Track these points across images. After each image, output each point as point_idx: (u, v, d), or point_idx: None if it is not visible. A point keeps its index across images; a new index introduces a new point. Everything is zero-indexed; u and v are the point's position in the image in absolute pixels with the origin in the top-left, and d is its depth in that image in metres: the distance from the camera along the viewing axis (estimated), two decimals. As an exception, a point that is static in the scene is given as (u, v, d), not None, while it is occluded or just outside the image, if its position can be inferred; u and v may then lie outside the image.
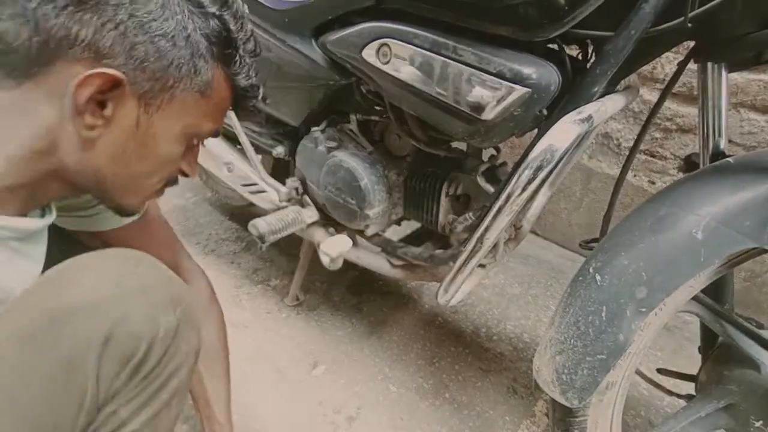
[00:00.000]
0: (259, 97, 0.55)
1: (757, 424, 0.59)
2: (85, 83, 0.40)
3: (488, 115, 0.62)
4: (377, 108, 0.86)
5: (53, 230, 0.50)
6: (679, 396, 0.77)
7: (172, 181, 0.53)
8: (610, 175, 1.42)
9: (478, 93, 0.61)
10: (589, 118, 0.57)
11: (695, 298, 0.59)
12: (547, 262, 1.49)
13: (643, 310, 0.52)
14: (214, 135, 0.53)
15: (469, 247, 0.70)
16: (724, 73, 0.60)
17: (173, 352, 0.44)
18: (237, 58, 0.49)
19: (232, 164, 1.05)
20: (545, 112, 0.62)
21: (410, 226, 1.03)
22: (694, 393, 0.71)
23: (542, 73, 0.59)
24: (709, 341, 0.69)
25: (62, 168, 0.44)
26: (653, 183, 1.37)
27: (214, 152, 1.07)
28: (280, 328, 1.11)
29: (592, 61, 0.63)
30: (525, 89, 0.58)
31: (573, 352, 0.55)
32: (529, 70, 0.59)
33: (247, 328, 1.10)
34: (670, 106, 1.27)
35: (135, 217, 0.63)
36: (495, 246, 0.83)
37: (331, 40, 0.76)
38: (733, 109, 1.18)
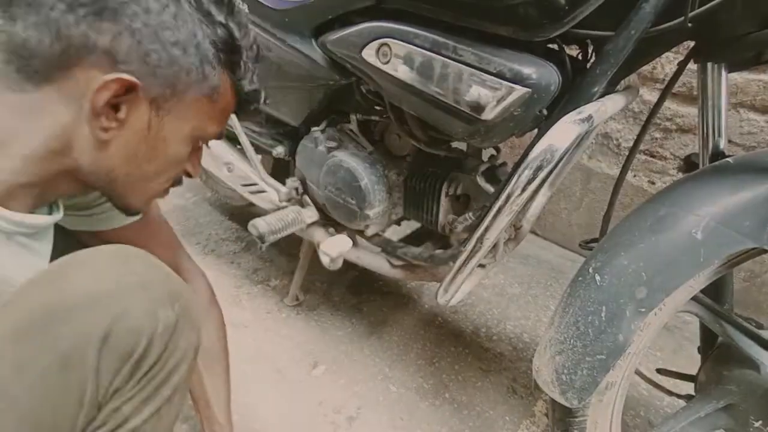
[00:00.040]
0: (261, 101, 0.57)
1: (757, 424, 0.59)
2: (104, 88, 0.42)
3: (488, 115, 0.62)
4: (377, 108, 0.86)
5: (58, 228, 0.51)
6: (678, 396, 0.77)
7: (177, 182, 0.55)
8: (609, 175, 1.42)
9: (478, 93, 0.61)
10: (589, 118, 0.57)
11: (695, 299, 0.59)
12: (547, 262, 1.49)
13: (643, 310, 0.52)
14: (219, 137, 0.56)
15: (469, 247, 0.70)
16: (723, 73, 0.60)
17: (173, 348, 0.44)
18: (241, 63, 0.51)
19: (232, 164, 1.05)
20: (545, 112, 0.62)
21: (410, 226, 1.03)
22: (693, 393, 0.71)
23: (542, 73, 0.59)
24: (708, 341, 0.69)
25: (75, 167, 0.46)
26: (653, 183, 1.37)
27: (214, 152, 1.07)
28: (280, 328, 1.11)
29: (592, 61, 0.63)
30: (525, 89, 0.58)
31: (573, 352, 0.55)
32: (529, 70, 0.59)
33: (247, 328, 1.10)
34: (670, 106, 1.27)
35: (136, 217, 0.63)
36: (495, 246, 0.83)
37: (331, 39, 0.76)
38: (732, 109, 1.18)
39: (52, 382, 0.38)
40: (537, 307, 1.28)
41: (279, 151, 1.01)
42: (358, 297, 1.23)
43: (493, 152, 0.88)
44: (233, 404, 0.74)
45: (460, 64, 0.62)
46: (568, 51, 0.65)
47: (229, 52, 0.49)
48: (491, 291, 1.32)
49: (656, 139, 1.34)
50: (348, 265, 0.95)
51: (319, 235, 0.98)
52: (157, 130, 0.47)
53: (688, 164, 0.71)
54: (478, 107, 0.62)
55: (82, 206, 0.59)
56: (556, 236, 1.60)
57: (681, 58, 0.65)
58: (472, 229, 0.73)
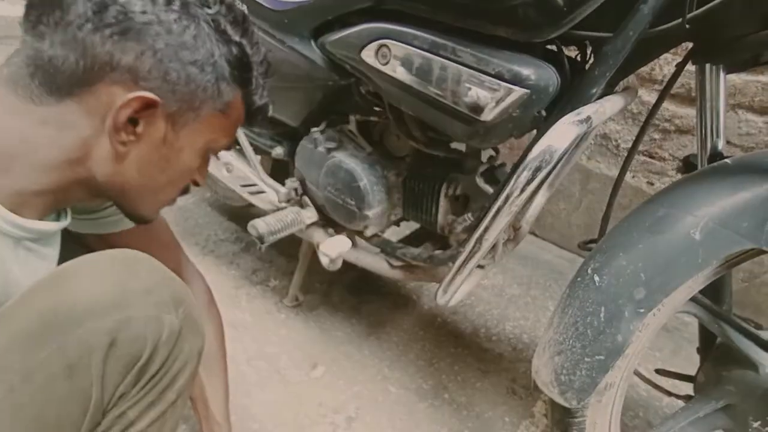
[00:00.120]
0: (269, 113, 0.59)
1: (756, 424, 0.59)
2: (126, 105, 0.43)
3: (487, 116, 0.62)
4: (376, 109, 0.86)
5: (64, 231, 0.52)
6: (677, 397, 0.77)
7: (185, 191, 0.57)
8: (608, 176, 1.42)
9: (477, 94, 0.61)
10: (588, 119, 0.57)
11: (693, 299, 0.59)
12: (546, 262, 1.49)
13: (642, 310, 0.52)
14: (228, 148, 0.58)
15: (468, 247, 0.70)
16: (722, 74, 0.60)
17: (177, 352, 0.45)
18: (253, 79, 0.52)
19: (231, 165, 1.05)
20: (544, 113, 0.62)
21: (409, 226, 1.03)
22: (692, 394, 0.71)
23: (541, 74, 0.59)
24: (707, 342, 0.69)
25: (89, 177, 0.47)
26: (652, 184, 1.38)
27: (214, 153, 1.07)
28: (279, 329, 1.11)
29: (590, 62, 0.63)
30: (524, 90, 0.59)
31: (572, 352, 0.55)
32: (528, 71, 0.59)
33: (247, 328, 1.10)
34: (669, 107, 1.28)
35: None
36: (494, 247, 0.83)
37: (330, 40, 0.76)
38: (731, 110, 1.18)
39: (58, 389, 0.39)
40: (536, 307, 1.28)
41: (278, 151, 1.01)
42: (357, 298, 1.23)
43: (492, 153, 0.88)
44: (232, 405, 0.74)
45: (459, 65, 0.62)
46: (566, 52, 0.65)
47: (242, 69, 0.51)
48: (490, 292, 1.32)
49: (655, 140, 1.34)
50: (347, 266, 0.95)
51: (318, 235, 0.98)
52: (172, 143, 0.49)
53: (687, 165, 0.71)
54: (477, 108, 0.62)
55: (87, 210, 0.61)
56: (555, 237, 1.60)
57: (679, 59, 0.66)
58: (471, 229, 0.73)
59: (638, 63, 0.68)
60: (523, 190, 0.60)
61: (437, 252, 0.85)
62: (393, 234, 1.00)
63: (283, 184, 0.99)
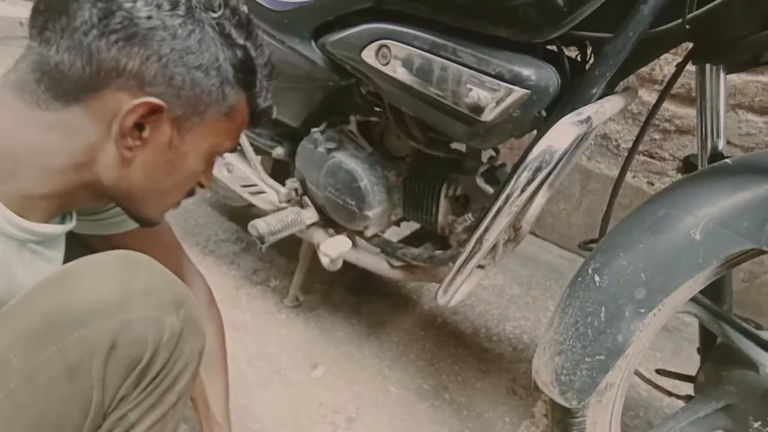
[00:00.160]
0: (273, 116, 0.59)
1: (756, 424, 0.59)
2: (132, 111, 0.44)
3: (487, 116, 0.62)
4: (377, 109, 0.86)
5: (68, 232, 0.52)
6: (678, 397, 0.77)
7: (190, 193, 0.57)
8: (608, 176, 1.42)
9: (477, 94, 0.61)
10: (588, 119, 0.57)
11: (694, 299, 0.59)
12: (547, 262, 1.49)
13: (642, 310, 0.52)
14: (233, 151, 0.58)
15: (469, 247, 0.70)
16: (722, 74, 0.60)
17: (178, 354, 0.45)
18: (257, 82, 0.53)
19: (232, 165, 1.06)
20: (544, 113, 0.62)
21: (409, 227, 1.03)
22: (693, 394, 0.71)
23: (541, 74, 0.59)
24: (707, 342, 0.69)
25: (96, 181, 0.47)
26: (652, 184, 1.38)
27: (214, 153, 1.07)
28: (280, 329, 1.11)
29: (590, 62, 0.63)
30: (524, 91, 0.59)
31: (572, 352, 0.55)
32: (528, 71, 0.59)
33: (247, 328, 1.10)
34: (669, 107, 1.28)
35: None
36: (494, 247, 0.83)
37: (330, 41, 0.76)
38: (731, 110, 1.18)
39: (59, 391, 0.39)
40: (536, 307, 1.28)
41: (278, 152, 1.01)
42: (357, 298, 1.23)
43: (493, 153, 0.88)
44: (232, 405, 0.74)
45: (459, 66, 0.62)
46: (567, 52, 0.65)
47: (246, 72, 0.51)
48: (491, 292, 1.32)
49: (655, 140, 1.34)
50: (347, 266, 0.95)
51: (318, 235, 0.98)
52: (178, 148, 0.49)
53: (687, 165, 0.71)
54: (477, 108, 0.62)
55: (90, 211, 0.61)
56: (555, 237, 1.60)
57: (679, 59, 0.66)
58: (471, 230, 0.73)
59: (638, 63, 0.68)
60: (523, 191, 0.60)
61: (437, 252, 0.85)
62: (393, 234, 1.00)
63: (284, 185, 0.99)
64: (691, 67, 0.64)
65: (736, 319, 0.60)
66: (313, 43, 0.80)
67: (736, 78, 1.15)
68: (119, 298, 0.41)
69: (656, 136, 1.33)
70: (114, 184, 0.48)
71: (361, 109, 0.88)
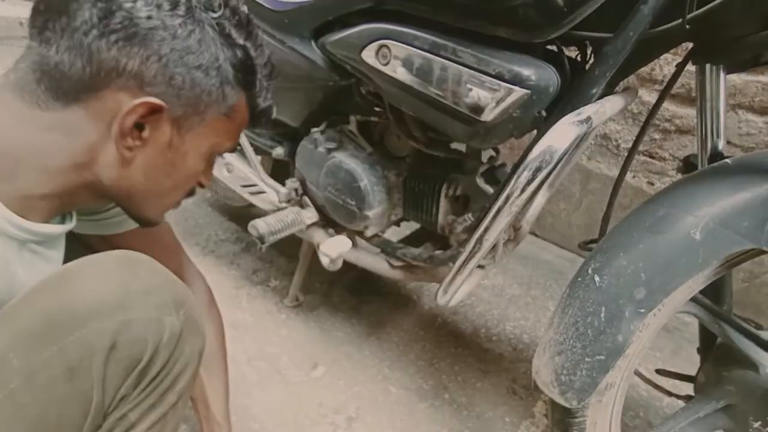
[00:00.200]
0: (273, 116, 0.59)
1: (756, 424, 0.59)
2: (133, 111, 0.44)
3: (487, 116, 0.62)
4: (377, 109, 0.86)
5: (68, 234, 0.52)
6: (678, 397, 0.77)
7: (190, 193, 0.57)
8: (609, 176, 1.42)
9: (477, 94, 0.61)
10: (588, 119, 0.57)
11: (694, 299, 0.59)
12: (547, 262, 1.49)
13: (642, 310, 0.52)
14: (233, 151, 0.58)
15: (469, 247, 0.70)
16: (722, 74, 0.60)
17: (178, 354, 0.45)
18: (257, 82, 0.52)
19: (232, 165, 1.06)
20: (544, 113, 0.62)
21: (409, 227, 1.03)
22: (693, 394, 0.71)
23: (541, 74, 0.59)
24: (707, 342, 0.69)
25: (96, 181, 0.47)
26: (652, 184, 1.38)
27: (214, 153, 1.07)
28: (280, 329, 1.11)
29: (590, 62, 0.63)
30: (524, 91, 0.59)
31: (572, 352, 0.55)
32: (528, 71, 0.59)
33: (247, 328, 1.10)
34: (669, 107, 1.28)
35: None
36: (494, 247, 0.83)
37: (330, 41, 0.76)
38: (731, 110, 1.18)
39: (59, 391, 0.39)
40: (536, 307, 1.28)
41: (278, 152, 1.01)
42: (357, 298, 1.23)
43: (493, 153, 0.89)
44: (232, 405, 0.74)
45: (459, 66, 0.62)
46: (567, 52, 0.65)
47: (246, 72, 0.50)
48: (491, 292, 1.32)
49: (655, 140, 1.34)
50: (347, 266, 0.95)
51: (318, 235, 0.98)
52: (177, 148, 0.49)
53: (687, 165, 0.71)
54: (477, 108, 0.62)
55: (90, 211, 0.61)
56: (555, 237, 1.60)
57: (680, 59, 0.66)
58: (471, 229, 0.73)
59: (638, 63, 0.68)
60: (523, 191, 0.60)
61: (437, 252, 0.85)
62: (393, 234, 1.00)
63: (284, 185, 0.99)
64: (691, 67, 0.64)
65: (736, 319, 0.60)
66: (313, 43, 0.80)
67: (736, 78, 1.15)
68: (119, 298, 0.41)
69: (656, 136, 1.33)
70: (114, 184, 0.48)
71: (361, 109, 0.88)
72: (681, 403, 0.73)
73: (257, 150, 1.05)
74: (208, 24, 0.46)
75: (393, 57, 0.68)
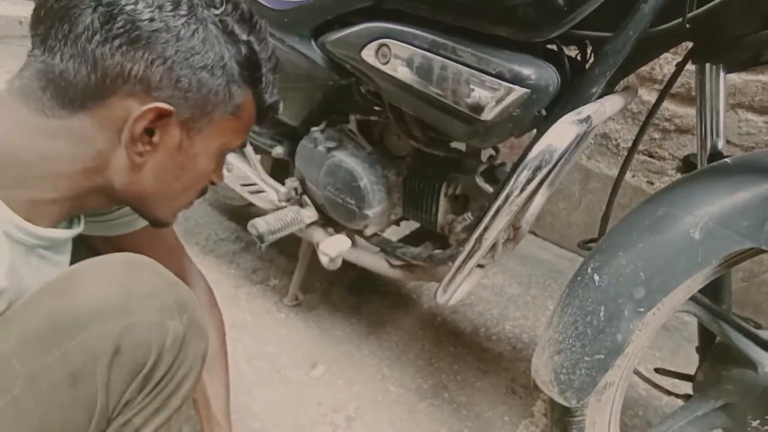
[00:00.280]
0: (280, 111, 0.58)
1: (755, 423, 0.59)
2: (141, 117, 0.44)
3: (487, 115, 0.62)
4: (376, 108, 0.86)
5: (74, 237, 0.52)
6: (677, 396, 0.77)
7: (202, 192, 0.57)
8: (608, 175, 1.42)
9: (477, 93, 0.61)
10: (588, 118, 0.57)
11: (693, 299, 0.59)
12: (546, 262, 1.50)
13: (641, 310, 0.52)
14: (242, 147, 0.57)
15: (468, 247, 0.70)
16: (722, 74, 0.60)
17: (182, 358, 0.45)
18: (263, 78, 0.52)
19: (231, 164, 1.05)
20: (544, 112, 0.62)
21: (409, 226, 1.03)
22: (692, 393, 0.71)
23: (541, 73, 0.59)
24: (706, 341, 0.69)
25: (107, 185, 0.47)
26: (652, 183, 1.38)
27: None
28: (279, 328, 1.11)
29: (590, 61, 0.63)
30: (524, 90, 0.59)
31: (571, 352, 0.55)
32: (528, 70, 0.59)
33: (246, 328, 1.10)
34: (669, 106, 1.28)
35: (145, 223, 0.64)
36: (494, 246, 0.83)
37: (330, 40, 0.76)
38: (731, 109, 1.18)
39: (63, 396, 0.39)
40: (536, 307, 1.28)
41: (278, 151, 1.01)
42: (357, 297, 1.23)
43: (492, 152, 0.88)
44: (232, 404, 0.74)
45: (459, 65, 0.62)
46: (567, 52, 0.65)
47: (252, 68, 0.50)
48: (490, 291, 1.32)
49: (655, 139, 1.34)
50: (347, 265, 0.95)
51: (318, 235, 0.98)
52: (187, 150, 0.49)
53: (687, 165, 0.71)
54: (477, 108, 0.62)
55: (95, 213, 0.61)
56: (554, 236, 1.60)
57: (679, 58, 0.66)
58: (471, 229, 0.73)
59: (638, 62, 0.68)
60: (522, 190, 0.60)
61: (437, 251, 0.86)
62: (393, 233, 1.00)
63: (283, 184, 0.99)
64: (690, 67, 0.64)
65: (735, 318, 0.60)
66: (312, 42, 0.80)
67: (736, 77, 1.15)
68: (121, 301, 0.41)
69: (656, 135, 1.33)
70: (125, 188, 0.48)
71: (361, 108, 0.88)
72: (680, 402, 0.73)
73: (257, 149, 1.05)
74: (211, 22, 0.46)
75: (393, 56, 0.68)
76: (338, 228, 0.99)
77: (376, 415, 0.92)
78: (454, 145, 0.87)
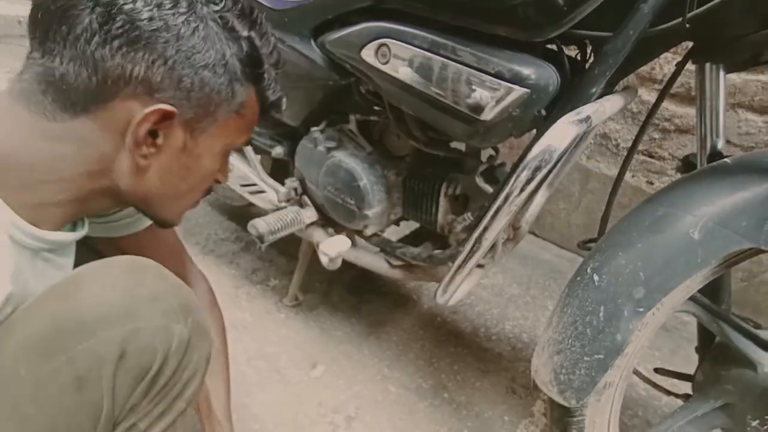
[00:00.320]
0: (283, 108, 0.58)
1: (754, 423, 0.59)
2: (145, 120, 0.43)
3: (487, 115, 0.62)
4: (376, 108, 0.86)
5: (78, 241, 0.52)
6: (676, 396, 0.77)
7: (208, 191, 0.57)
8: (608, 175, 1.42)
9: (477, 93, 0.61)
10: (588, 118, 0.57)
11: (692, 298, 0.59)
12: (546, 262, 1.50)
13: (641, 310, 0.52)
14: (246, 145, 0.56)
15: (468, 247, 0.70)
16: (721, 73, 0.60)
17: (186, 362, 0.44)
18: (265, 75, 0.52)
19: (231, 164, 1.05)
20: (544, 112, 0.62)
21: (409, 226, 1.03)
22: (691, 393, 0.71)
23: (541, 73, 0.59)
24: (706, 341, 0.69)
25: (113, 186, 0.47)
26: (651, 183, 1.38)
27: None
28: (279, 329, 1.11)
29: (590, 61, 0.63)
30: (524, 90, 0.59)
31: (571, 352, 0.55)
32: (528, 70, 0.59)
33: (246, 328, 1.10)
34: (668, 106, 1.28)
35: (148, 223, 0.65)
36: (493, 246, 0.83)
37: (330, 40, 0.76)
38: (731, 109, 1.18)
39: (68, 401, 0.38)
40: (535, 307, 1.28)
41: (278, 151, 1.01)
42: (357, 297, 1.23)
43: (492, 152, 0.88)
44: (232, 404, 0.74)
45: (459, 65, 0.62)
46: (566, 51, 0.65)
47: (254, 65, 0.50)
48: (490, 291, 1.32)
49: (654, 139, 1.34)
50: (347, 265, 0.95)
51: (318, 235, 0.98)
52: (191, 151, 0.49)
53: (686, 165, 0.71)
54: (477, 108, 0.62)
55: (98, 214, 0.60)
56: (554, 236, 1.60)
57: (679, 58, 0.66)
58: (470, 229, 0.73)
59: (638, 62, 0.69)
60: (522, 190, 0.60)
61: (437, 251, 0.86)
62: (393, 233, 1.00)
63: (283, 184, 0.99)
64: (690, 66, 0.64)
65: (734, 318, 0.60)
66: (312, 42, 0.80)
67: (736, 77, 1.15)
68: (127, 306, 0.41)
69: (656, 135, 1.33)
70: (130, 189, 0.48)
71: (361, 108, 0.88)
72: (679, 402, 0.73)
73: (257, 149, 1.05)
74: (211, 19, 0.45)
75: (392, 56, 0.68)
76: (338, 228, 0.99)
77: (376, 415, 0.92)
78: (454, 145, 0.87)
